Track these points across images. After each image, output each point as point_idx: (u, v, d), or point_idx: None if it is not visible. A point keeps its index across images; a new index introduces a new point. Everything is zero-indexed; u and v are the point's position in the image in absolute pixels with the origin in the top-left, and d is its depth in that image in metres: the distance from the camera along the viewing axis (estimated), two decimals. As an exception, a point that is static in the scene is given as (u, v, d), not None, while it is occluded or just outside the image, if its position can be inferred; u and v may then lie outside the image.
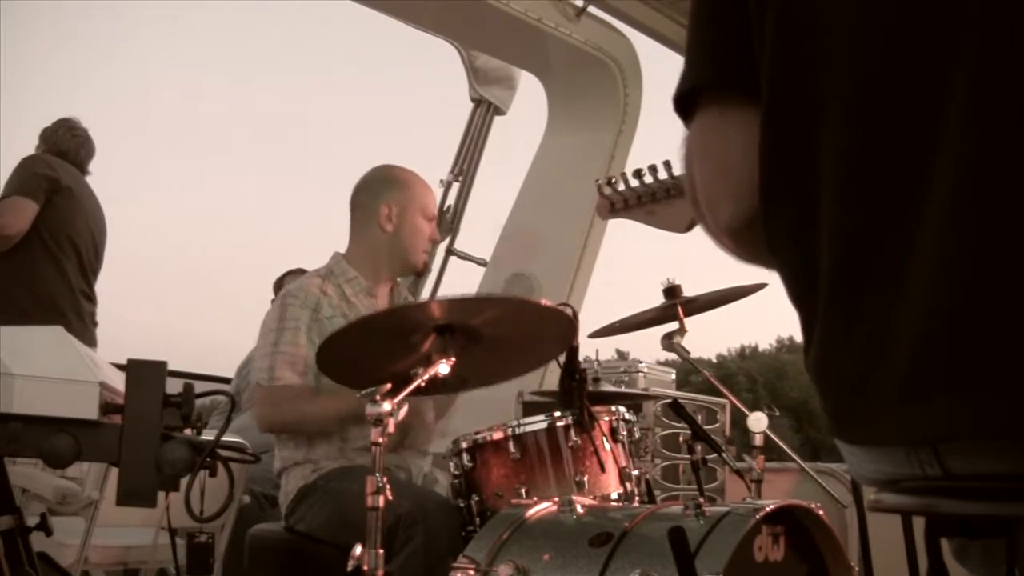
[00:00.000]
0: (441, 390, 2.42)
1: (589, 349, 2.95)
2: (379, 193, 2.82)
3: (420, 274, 2.88)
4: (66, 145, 4.07)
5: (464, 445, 2.32)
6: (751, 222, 0.94)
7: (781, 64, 0.90)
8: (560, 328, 2.28)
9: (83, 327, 3.97)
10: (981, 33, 0.77)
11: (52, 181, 3.91)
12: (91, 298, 4.06)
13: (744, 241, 0.98)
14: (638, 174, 1.71)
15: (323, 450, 2.62)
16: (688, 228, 1.40)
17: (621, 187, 1.74)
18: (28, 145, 4.15)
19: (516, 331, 2.24)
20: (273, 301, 2.84)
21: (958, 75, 0.78)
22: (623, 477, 2.31)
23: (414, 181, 2.88)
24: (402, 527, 2.24)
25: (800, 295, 0.91)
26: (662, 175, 1.69)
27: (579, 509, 1.98)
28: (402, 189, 2.83)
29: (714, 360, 40.36)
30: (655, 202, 1.68)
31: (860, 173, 0.84)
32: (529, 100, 5.48)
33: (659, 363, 4.23)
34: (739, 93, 0.94)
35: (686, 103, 0.98)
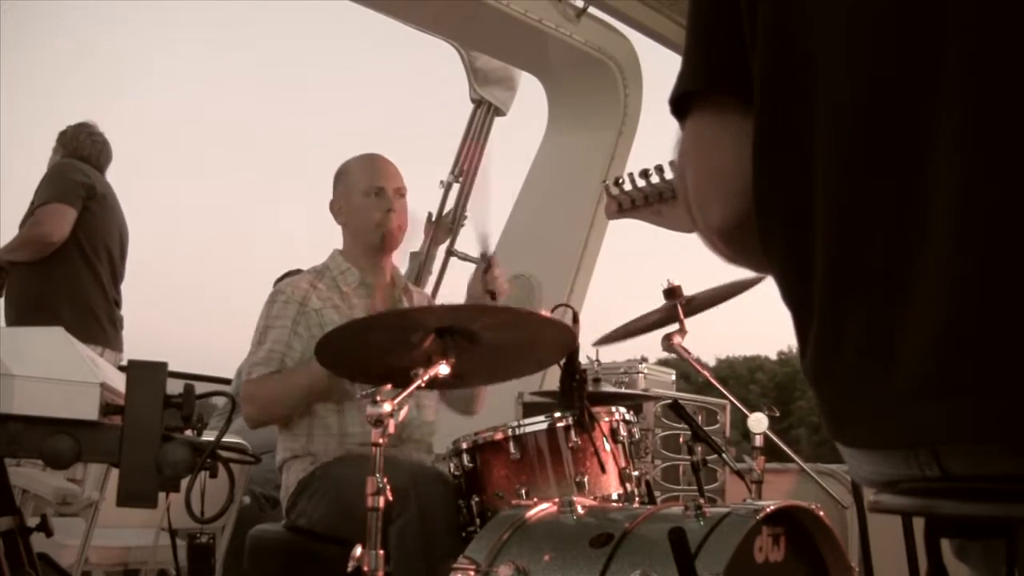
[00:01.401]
0: (438, 387, 2.43)
1: (589, 349, 2.95)
2: (333, 192, 2.92)
3: (388, 248, 2.87)
4: (88, 151, 4.08)
5: (464, 446, 2.32)
6: (741, 224, 0.95)
7: (772, 66, 0.91)
8: (560, 335, 2.28)
9: (115, 333, 4.01)
10: (968, 31, 0.77)
11: (89, 188, 3.92)
12: (119, 304, 4.09)
13: (734, 243, 0.98)
14: (645, 174, 1.71)
15: (322, 443, 2.63)
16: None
17: (628, 187, 1.75)
18: (28, 146, 4.16)
19: (516, 336, 2.25)
20: None
21: (949, 73, 0.78)
22: (623, 478, 2.31)
23: (352, 166, 2.91)
24: (397, 498, 2.25)
25: (794, 297, 0.91)
26: (669, 175, 1.69)
27: (579, 510, 1.98)
28: (340, 180, 2.90)
29: (774, 357, 40.04)
30: (662, 202, 1.68)
31: (854, 174, 0.84)
32: (529, 101, 5.49)
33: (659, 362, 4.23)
34: (732, 96, 0.95)
35: (681, 106, 0.99)
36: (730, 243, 0.99)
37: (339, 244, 2.91)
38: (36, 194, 3.92)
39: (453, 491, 2.32)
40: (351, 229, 2.86)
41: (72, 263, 3.88)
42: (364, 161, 2.92)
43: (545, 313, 2.27)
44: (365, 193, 2.83)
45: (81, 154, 4.05)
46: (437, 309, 2.15)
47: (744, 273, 1.07)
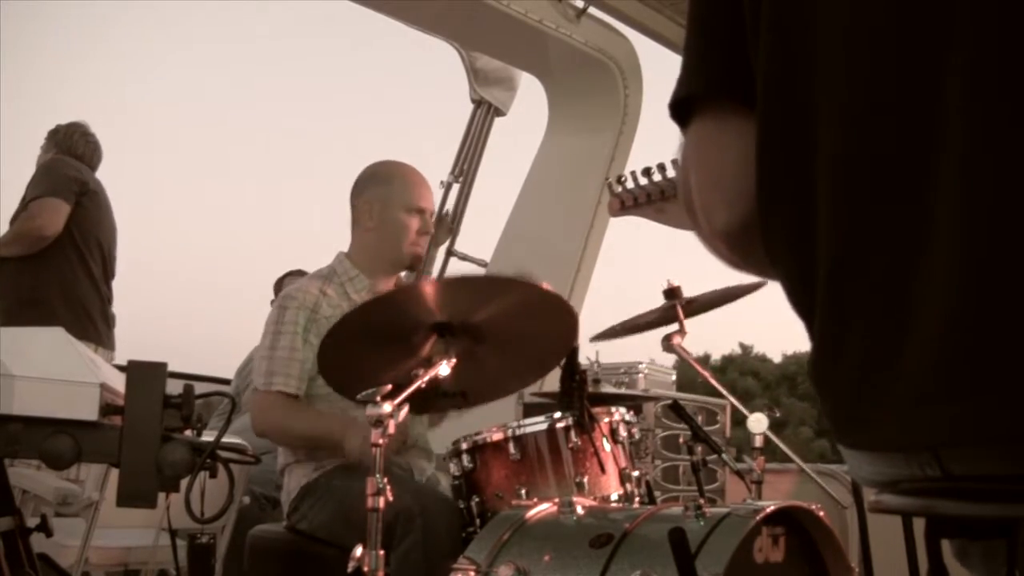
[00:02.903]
0: (443, 407, 2.42)
1: (590, 350, 2.95)
2: (362, 190, 2.82)
3: (413, 268, 2.85)
4: (81, 150, 4.08)
5: (464, 446, 2.32)
6: (745, 228, 0.95)
7: (775, 68, 0.91)
8: (561, 322, 2.26)
9: (107, 331, 4.00)
10: (971, 31, 0.77)
11: (82, 184, 3.92)
12: (111, 301, 4.08)
13: (738, 246, 0.98)
14: (647, 172, 1.71)
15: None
16: None
17: (631, 185, 1.74)
18: (25, 144, 4.17)
19: (517, 328, 2.22)
20: (273, 303, 2.84)
21: (953, 73, 0.78)
22: (623, 478, 2.31)
23: (397, 175, 2.83)
24: (401, 522, 2.24)
25: (799, 299, 0.91)
26: (671, 173, 1.69)
27: (579, 510, 1.98)
28: (382, 184, 2.81)
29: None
30: (664, 199, 1.68)
31: (857, 175, 0.84)
32: (529, 101, 5.49)
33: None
34: (734, 100, 0.95)
35: (682, 110, 0.99)
36: (734, 247, 0.99)
37: (338, 246, 2.86)
38: (28, 189, 3.89)
39: (458, 515, 2.31)
40: (380, 238, 2.77)
41: (66, 258, 3.87)
42: (409, 174, 2.84)
43: (546, 286, 2.21)
44: (408, 210, 2.76)
45: (75, 153, 4.05)
46: (433, 283, 2.10)
47: (744, 276, 1.06)
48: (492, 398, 2.53)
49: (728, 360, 24.36)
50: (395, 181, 2.81)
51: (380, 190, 2.79)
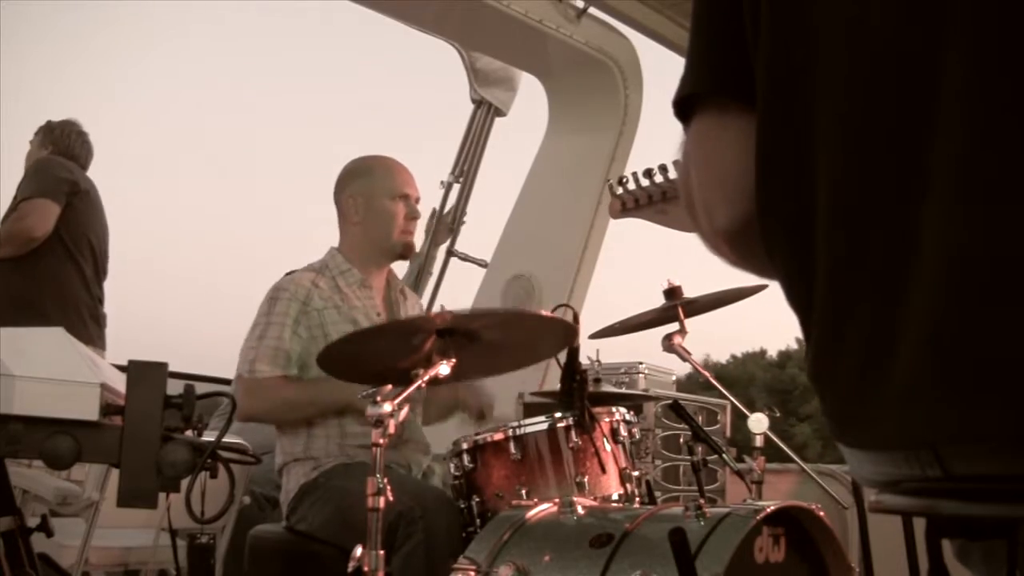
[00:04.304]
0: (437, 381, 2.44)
1: (590, 350, 2.95)
2: (344, 187, 2.86)
3: (405, 256, 2.87)
4: (77, 150, 4.08)
5: (464, 446, 2.32)
6: (746, 226, 0.95)
7: (775, 67, 0.91)
8: (560, 332, 2.29)
9: (98, 331, 3.99)
10: (969, 32, 0.77)
11: (72, 184, 3.91)
12: (103, 301, 4.08)
13: (739, 245, 0.98)
14: (648, 174, 1.71)
15: (322, 446, 2.63)
16: None
17: (632, 186, 1.75)
18: (21, 143, 4.16)
19: (517, 336, 2.25)
20: None
21: (949, 74, 0.78)
22: (624, 478, 2.31)
23: (376, 166, 2.86)
24: (402, 524, 2.25)
25: (798, 297, 0.91)
26: (672, 175, 1.69)
27: (580, 510, 1.98)
28: (362, 177, 2.84)
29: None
30: (665, 201, 1.69)
31: (854, 174, 0.85)
32: (529, 101, 5.49)
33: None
34: (737, 99, 0.95)
35: (684, 108, 0.99)
36: (734, 246, 0.99)
37: (335, 242, 2.87)
38: (19, 189, 3.89)
39: (458, 514, 2.32)
40: (367, 229, 2.80)
41: (56, 259, 3.86)
42: (388, 164, 2.88)
43: (546, 313, 2.27)
44: (392, 197, 2.79)
45: (71, 152, 4.05)
46: (440, 316, 2.13)
47: (746, 276, 1.06)
48: (488, 375, 2.57)
49: (786, 356, 24.11)
50: (375, 172, 2.85)
51: (362, 182, 2.83)
